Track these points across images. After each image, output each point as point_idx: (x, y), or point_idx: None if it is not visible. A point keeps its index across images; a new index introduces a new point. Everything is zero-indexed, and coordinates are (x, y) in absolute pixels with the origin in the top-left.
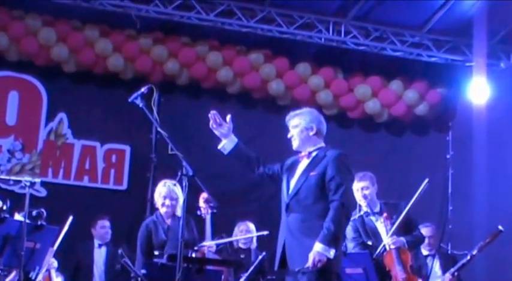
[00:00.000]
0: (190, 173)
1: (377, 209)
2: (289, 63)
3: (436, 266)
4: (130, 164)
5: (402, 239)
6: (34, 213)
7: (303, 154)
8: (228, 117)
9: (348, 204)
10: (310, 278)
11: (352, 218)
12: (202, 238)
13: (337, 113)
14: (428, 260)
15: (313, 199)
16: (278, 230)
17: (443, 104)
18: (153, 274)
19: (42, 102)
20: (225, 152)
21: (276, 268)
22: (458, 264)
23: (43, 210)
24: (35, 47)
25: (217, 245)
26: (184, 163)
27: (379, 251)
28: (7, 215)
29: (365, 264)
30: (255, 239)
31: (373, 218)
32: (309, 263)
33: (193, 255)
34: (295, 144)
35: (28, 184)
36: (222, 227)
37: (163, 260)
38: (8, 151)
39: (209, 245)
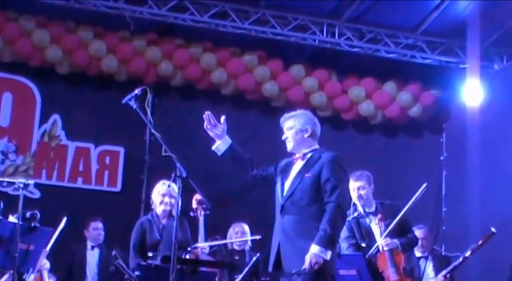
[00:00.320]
0: (184, 175)
1: (372, 209)
2: (283, 65)
3: (429, 268)
4: (124, 165)
5: (396, 241)
6: (28, 215)
7: (297, 155)
8: (223, 118)
9: (343, 206)
10: (305, 279)
11: (348, 219)
12: (195, 239)
13: (331, 114)
14: (422, 262)
15: (308, 200)
16: (272, 232)
17: (437, 105)
18: (147, 275)
19: (35, 104)
20: (219, 153)
21: (270, 269)
22: (451, 266)
23: (37, 212)
24: (29, 49)
25: (211, 246)
26: (178, 165)
27: (372, 252)
28: (0, 217)
29: (359, 266)
30: (249, 241)
31: (367, 219)
32: (306, 265)
33: (187, 257)
34: (289, 146)
35: (22, 185)
36: (216, 228)
37: (157, 262)
38: (2, 152)
39: (202, 246)
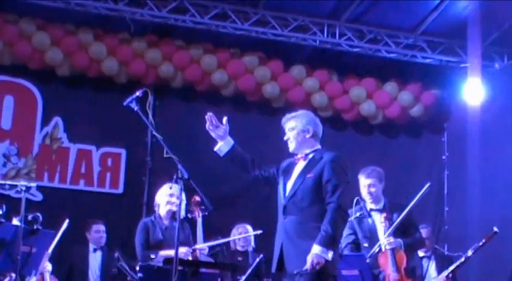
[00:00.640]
0: (186, 176)
1: (379, 206)
2: (283, 66)
3: (432, 267)
4: (126, 167)
5: (399, 240)
6: (30, 217)
7: (299, 156)
8: (225, 119)
9: (344, 206)
10: (307, 280)
11: (350, 218)
12: (194, 241)
13: (331, 115)
14: (424, 261)
15: (310, 201)
16: (275, 233)
17: (438, 105)
18: (149, 277)
19: (37, 106)
20: (221, 154)
21: (273, 270)
22: (453, 266)
23: (39, 214)
24: (29, 51)
25: (212, 247)
26: (179, 166)
27: (374, 251)
28: (3, 220)
29: (361, 266)
30: (252, 242)
31: (375, 214)
32: (308, 266)
33: (189, 258)
34: (291, 146)
35: (24, 188)
36: (219, 230)
37: (160, 263)
38: (4, 155)
39: (201, 247)
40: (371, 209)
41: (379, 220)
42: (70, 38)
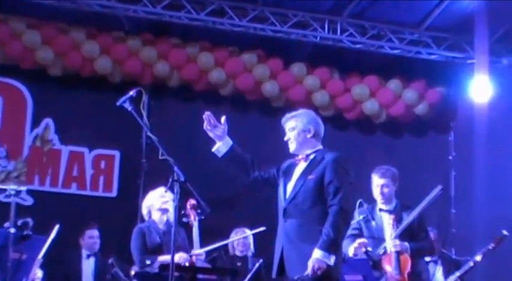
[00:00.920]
0: (182, 179)
1: (390, 207)
2: (283, 64)
3: (439, 272)
4: (120, 170)
5: (406, 244)
6: (20, 223)
7: (300, 157)
8: (223, 118)
9: (347, 208)
10: None
11: (352, 221)
12: (190, 246)
13: (333, 114)
14: (431, 266)
15: (311, 203)
16: (275, 236)
17: (443, 103)
18: None
19: (27, 107)
20: (219, 155)
21: (273, 275)
22: (461, 271)
23: (29, 219)
24: (20, 50)
25: (209, 252)
26: (175, 168)
27: (379, 252)
28: None
29: (365, 271)
30: (252, 246)
31: (384, 215)
32: (309, 271)
33: (186, 264)
34: (292, 147)
35: (13, 192)
36: (217, 234)
37: (156, 270)
38: None
39: (198, 253)
40: (380, 210)
41: (387, 221)
42: (62, 37)
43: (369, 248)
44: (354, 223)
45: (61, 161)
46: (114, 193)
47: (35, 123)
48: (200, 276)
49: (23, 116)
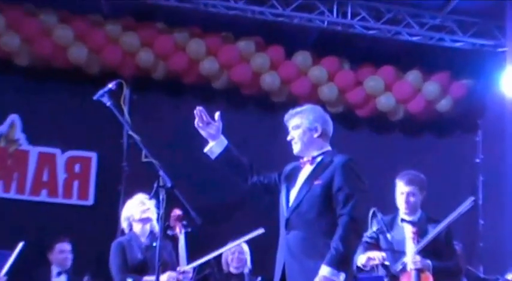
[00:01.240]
0: (169, 185)
1: (414, 218)
2: (285, 53)
3: None
4: (98, 174)
5: (429, 262)
6: None
7: (305, 159)
8: (217, 114)
9: (359, 219)
10: None
11: (365, 234)
12: (176, 262)
13: (343, 110)
14: None
15: (317, 212)
16: (276, 251)
17: (470, 98)
18: None
19: None
20: (212, 157)
21: None
22: None
23: None
24: None
25: (200, 269)
26: (161, 172)
27: (396, 268)
28: None
29: None
30: (248, 262)
31: (405, 226)
32: None
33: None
34: (296, 148)
35: None
36: (208, 248)
37: None
38: None
39: (185, 270)
40: (402, 220)
41: (409, 234)
42: (30, 21)
43: (386, 263)
44: (367, 234)
45: (29, 164)
46: (90, 201)
47: None
48: None
49: None
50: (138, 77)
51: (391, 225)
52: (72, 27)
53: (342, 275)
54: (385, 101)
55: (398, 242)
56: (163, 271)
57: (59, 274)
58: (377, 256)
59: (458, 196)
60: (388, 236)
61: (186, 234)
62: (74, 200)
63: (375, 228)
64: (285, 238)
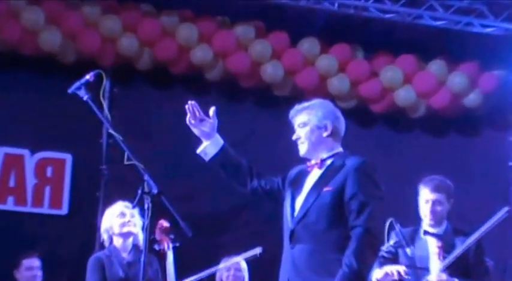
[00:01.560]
0: (155, 191)
1: (440, 230)
2: (289, 39)
3: None
4: (73, 179)
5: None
6: None
7: (313, 162)
8: (212, 110)
9: (375, 231)
10: None
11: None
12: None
13: (356, 106)
14: None
15: (327, 223)
16: (279, 267)
17: (502, 91)
18: None
19: None
20: (206, 159)
21: None
22: None
23: None
24: None
25: None
26: (146, 177)
27: None
28: None
29: None
30: (247, 280)
31: (429, 239)
32: None
33: None
34: (303, 149)
35: None
36: (201, 265)
37: None
38: None
39: None
40: (426, 232)
41: (433, 249)
42: None
43: (407, 276)
44: (384, 248)
45: None
46: (64, 210)
47: None
48: None
49: None
50: (120, 67)
51: (412, 238)
52: (44, 9)
53: None
54: (404, 95)
55: (421, 258)
56: None
57: None
58: (395, 270)
59: (489, 205)
60: (408, 250)
61: (175, 249)
62: (46, 209)
63: (392, 242)
64: (290, 253)
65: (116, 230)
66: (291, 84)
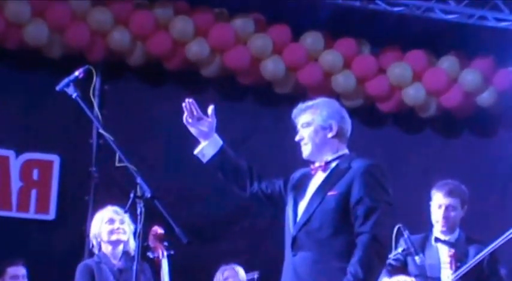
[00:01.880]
0: (148, 195)
1: (452, 238)
2: (291, 33)
3: None
4: (60, 182)
5: None
6: None
7: (317, 164)
8: (211, 108)
9: (382, 238)
10: None
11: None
12: None
13: (362, 104)
14: None
15: (331, 229)
16: (279, 276)
17: None
18: None
19: None
20: (204, 160)
21: None
22: None
23: None
24: None
25: None
26: (138, 179)
27: None
28: None
29: None
30: None
31: (441, 247)
32: None
33: None
34: (306, 150)
35: None
36: (197, 273)
37: None
38: None
39: None
40: (437, 239)
41: (445, 257)
42: None
43: None
44: (391, 256)
45: None
46: (51, 215)
47: None
48: None
49: None
50: (111, 63)
51: (422, 246)
52: (29, 0)
53: None
54: (413, 93)
55: (431, 267)
56: None
57: None
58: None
59: (504, 211)
60: (417, 259)
61: (169, 257)
62: (32, 214)
63: (400, 249)
64: (291, 261)
65: (104, 237)
66: (292, 82)
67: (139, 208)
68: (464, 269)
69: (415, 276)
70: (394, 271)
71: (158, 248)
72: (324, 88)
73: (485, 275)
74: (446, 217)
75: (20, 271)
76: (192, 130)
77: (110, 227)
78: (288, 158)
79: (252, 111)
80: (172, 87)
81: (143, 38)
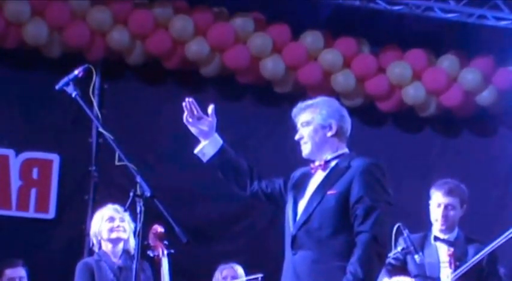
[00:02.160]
0: (148, 194)
1: (450, 237)
2: (291, 32)
3: None
4: (60, 181)
5: None
6: None
7: (316, 163)
8: (211, 107)
9: (382, 237)
10: None
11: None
12: None
13: (362, 104)
14: None
15: (331, 229)
16: (279, 276)
17: None
18: None
19: None
20: (204, 160)
21: None
22: None
23: None
24: None
25: None
26: (138, 178)
27: None
28: None
29: None
30: None
31: (440, 246)
32: None
33: None
34: (306, 149)
35: None
36: (196, 272)
37: None
38: None
39: None
40: (436, 238)
41: (444, 256)
42: None
43: None
44: (391, 255)
45: None
46: (51, 214)
47: None
48: None
49: None
50: (110, 61)
51: (421, 244)
52: (29, 0)
53: None
54: (413, 93)
55: (431, 266)
56: None
57: None
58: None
59: (504, 211)
60: (417, 257)
61: (169, 255)
62: (31, 213)
63: (400, 248)
64: (291, 260)
65: (105, 235)
66: (292, 81)
67: (139, 206)
68: (463, 268)
69: (415, 276)
70: (394, 270)
71: (158, 246)
72: (323, 87)
73: (484, 275)
74: (445, 216)
75: (20, 272)
76: (192, 129)
77: (110, 225)
78: (288, 157)
79: (251, 111)
80: (172, 87)
81: (143, 37)
